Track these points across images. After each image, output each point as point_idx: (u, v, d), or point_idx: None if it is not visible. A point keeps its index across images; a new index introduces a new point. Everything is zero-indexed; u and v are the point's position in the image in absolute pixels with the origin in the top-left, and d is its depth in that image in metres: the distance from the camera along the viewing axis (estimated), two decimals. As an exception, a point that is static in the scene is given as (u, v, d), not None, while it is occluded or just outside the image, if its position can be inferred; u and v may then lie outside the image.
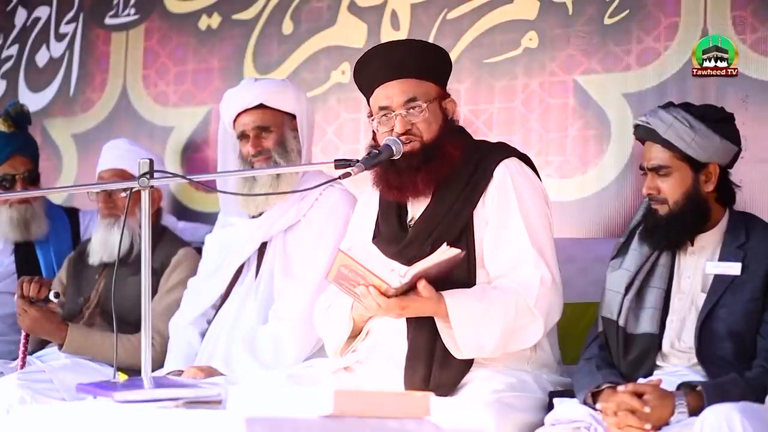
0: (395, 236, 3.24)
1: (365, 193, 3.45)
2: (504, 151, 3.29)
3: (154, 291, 3.99)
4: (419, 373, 3.08)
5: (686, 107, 3.15)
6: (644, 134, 3.17)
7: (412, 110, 3.18)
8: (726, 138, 3.12)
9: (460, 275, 3.10)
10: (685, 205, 3.11)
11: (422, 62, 3.22)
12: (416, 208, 3.25)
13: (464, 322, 3.01)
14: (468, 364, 3.10)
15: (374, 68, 3.23)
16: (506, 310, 3.05)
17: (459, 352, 3.06)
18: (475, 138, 3.39)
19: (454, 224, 3.16)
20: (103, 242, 4.21)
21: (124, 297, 3.88)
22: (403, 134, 3.16)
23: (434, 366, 3.08)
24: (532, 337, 3.10)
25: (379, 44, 3.40)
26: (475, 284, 3.12)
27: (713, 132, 3.10)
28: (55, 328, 3.99)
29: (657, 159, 3.13)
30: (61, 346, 4.01)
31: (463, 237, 3.14)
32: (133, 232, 4.14)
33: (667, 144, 3.10)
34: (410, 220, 3.25)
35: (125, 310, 3.82)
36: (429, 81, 3.21)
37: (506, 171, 3.19)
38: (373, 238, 3.31)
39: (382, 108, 3.20)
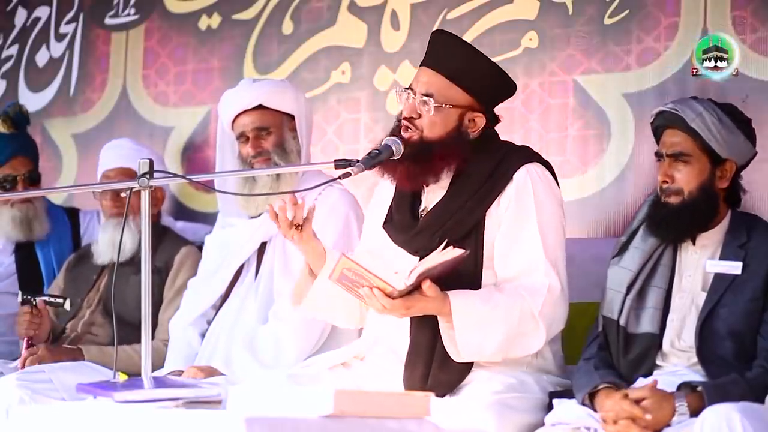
0: (406, 224, 3.22)
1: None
2: (527, 155, 3.23)
3: (155, 291, 3.98)
4: (418, 371, 3.08)
5: (713, 102, 3.16)
6: (669, 120, 3.15)
7: (423, 104, 3.16)
8: (748, 138, 3.14)
9: (467, 274, 3.08)
10: (698, 196, 3.10)
11: (462, 67, 3.15)
12: (430, 199, 3.22)
13: (467, 323, 2.99)
14: (468, 366, 3.08)
15: (428, 47, 3.20)
16: (510, 314, 3.02)
17: (457, 354, 3.03)
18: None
19: (466, 221, 3.14)
20: (112, 242, 4.18)
21: (126, 297, 3.87)
22: (406, 118, 3.15)
23: (433, 365, 3.07)
24: (533, 344, 3.08)
25: (446, 32, 3.30)
26: (481, 284, 3.10)
27: (739, 130, 3.11)
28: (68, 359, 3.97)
29: (679, 146, 3.11)
30: None
31: (473, 235, 3.12)
32: (139, 232, 4.12)
33: (692, 132, 3.09)
34: (422, 210, 3.23)
35: (128, 311, 3.80)
36: (462, 88, 3.15)
37: (527, 176, 3.14)
38: (384, 223, 3.29)
39: (409, 87, 3.19)
